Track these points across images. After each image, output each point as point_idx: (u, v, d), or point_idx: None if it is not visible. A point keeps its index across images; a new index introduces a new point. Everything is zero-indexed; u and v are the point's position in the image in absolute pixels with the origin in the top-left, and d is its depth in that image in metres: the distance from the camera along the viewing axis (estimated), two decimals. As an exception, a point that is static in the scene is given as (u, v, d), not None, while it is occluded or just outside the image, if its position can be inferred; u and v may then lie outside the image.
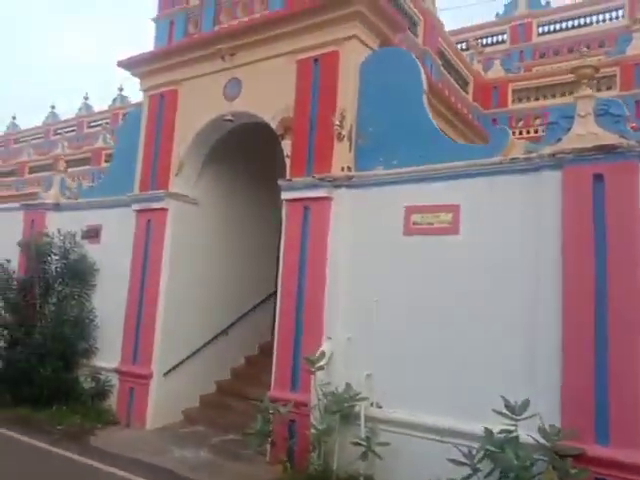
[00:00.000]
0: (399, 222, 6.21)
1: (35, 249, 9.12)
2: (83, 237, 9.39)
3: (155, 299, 8.19)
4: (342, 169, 6.68)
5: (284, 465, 5.91)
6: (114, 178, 9.41)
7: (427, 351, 5.82)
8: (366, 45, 6.99)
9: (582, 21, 14.34)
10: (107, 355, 8.67)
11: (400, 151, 6.41)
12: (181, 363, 8.33)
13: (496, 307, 5.50)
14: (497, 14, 17.51)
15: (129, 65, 8.97)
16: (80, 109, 23.11)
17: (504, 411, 4.87)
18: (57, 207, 9.96)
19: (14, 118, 25.24)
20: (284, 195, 7.07)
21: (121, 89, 21.89)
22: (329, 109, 6.87)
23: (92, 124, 22.05)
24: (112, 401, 8.41)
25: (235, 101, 7.82)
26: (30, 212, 10.18)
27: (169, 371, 8.18)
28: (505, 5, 17.41)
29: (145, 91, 8.97)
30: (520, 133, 11.21)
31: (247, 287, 9.50)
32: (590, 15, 14.49)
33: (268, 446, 6.53)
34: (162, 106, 8.66)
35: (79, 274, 9.03)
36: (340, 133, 6.75)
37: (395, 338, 6.05)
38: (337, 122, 6.77)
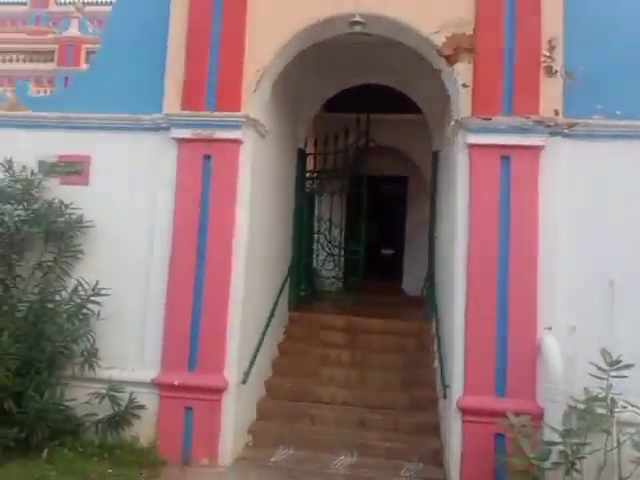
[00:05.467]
0: (645, 188, 5.19)
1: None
2: (48, 174, 5.83)
3: (226, 276, 5.46)
4: (555, 112, 5.27)
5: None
6: (106, 84, 5.97)
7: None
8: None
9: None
10: (121, 361, 5.64)
11: (628, 100, 5.30)
12: (252, 363, 5.86)
13: None
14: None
15: None
16: None
17: None
18: (-25, 121, 5.98)
19: None
20: (470, 138, 5.29)
21: None
22: (531, 33, 5.30)
23: None
24: (139, 430, 5.49)
25: (367, -1, 5.55)
26: None
27: (246, 377, 5.67)
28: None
29: (179, -45, 5.81)
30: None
31: (282, 255, 7.27)
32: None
33: (452, 469, 5.02)
34: (220, -17, 5.72)
35: (56, 233, 5.59)
36: (551, 66, 5.29)
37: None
38: (546, 52, 5.29)
